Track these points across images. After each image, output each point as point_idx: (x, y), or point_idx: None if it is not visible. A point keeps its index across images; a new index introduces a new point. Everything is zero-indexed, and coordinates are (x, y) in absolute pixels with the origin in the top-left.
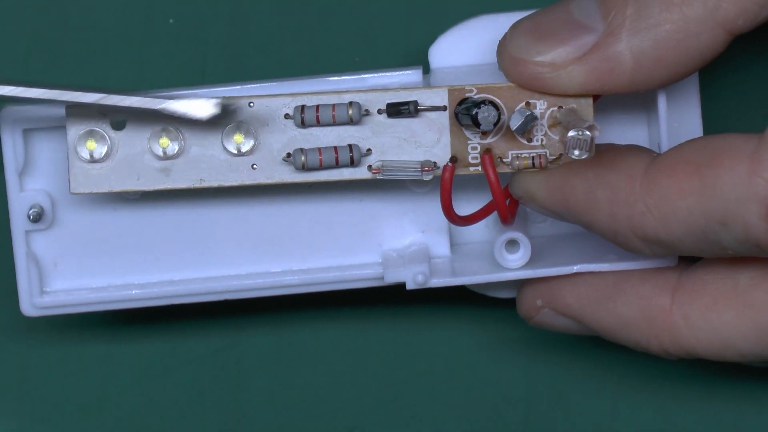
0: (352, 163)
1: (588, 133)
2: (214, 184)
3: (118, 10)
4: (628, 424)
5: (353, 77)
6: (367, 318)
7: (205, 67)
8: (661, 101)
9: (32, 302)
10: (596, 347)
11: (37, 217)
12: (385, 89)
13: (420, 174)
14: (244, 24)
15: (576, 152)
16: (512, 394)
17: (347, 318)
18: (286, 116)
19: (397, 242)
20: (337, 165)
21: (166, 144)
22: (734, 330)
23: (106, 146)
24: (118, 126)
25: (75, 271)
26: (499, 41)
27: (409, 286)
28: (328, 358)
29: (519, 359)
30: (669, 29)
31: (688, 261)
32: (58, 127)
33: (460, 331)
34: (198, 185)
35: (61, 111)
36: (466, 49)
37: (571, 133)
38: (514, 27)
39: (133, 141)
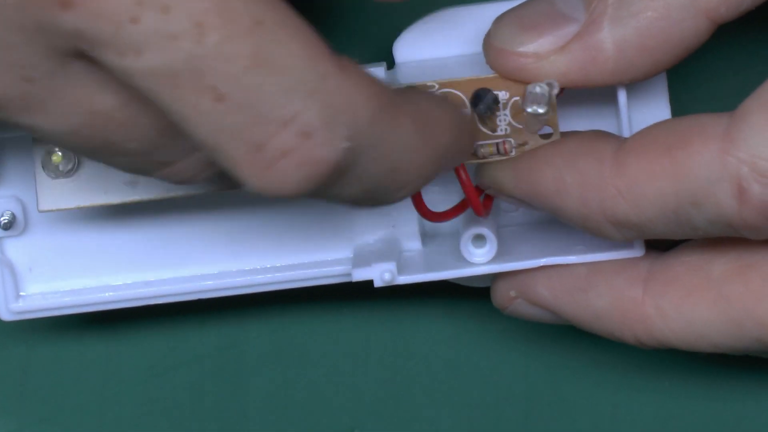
0: None
1: (545, 86)
2: (181, 193)
3: None
4: (628, 421)
5: None
6: (366, 316)
7: None
8: (622, 97)
9: (8, 307)
10: (596, 345)
11: (8, 225)
12: None
13: None
14: None
15: (532, 107)
16: (511, 389)
17: (345, 316)
18: None
19: (369, 236)
20: None
21: None
22: (707, 321)
23: (72, 162)
24: None
25: (50, 275)
26: (485, 34)
27: (377, 284)
28: (326, 357)
29: (518, 354)
30: (651, 17)
31: (659, 250)
32: (24, 135)
33: (460, 329)
34: (165, 196)
35: None
36: (430, 43)
37: (529, 87)
38: (499, 19)
39: None
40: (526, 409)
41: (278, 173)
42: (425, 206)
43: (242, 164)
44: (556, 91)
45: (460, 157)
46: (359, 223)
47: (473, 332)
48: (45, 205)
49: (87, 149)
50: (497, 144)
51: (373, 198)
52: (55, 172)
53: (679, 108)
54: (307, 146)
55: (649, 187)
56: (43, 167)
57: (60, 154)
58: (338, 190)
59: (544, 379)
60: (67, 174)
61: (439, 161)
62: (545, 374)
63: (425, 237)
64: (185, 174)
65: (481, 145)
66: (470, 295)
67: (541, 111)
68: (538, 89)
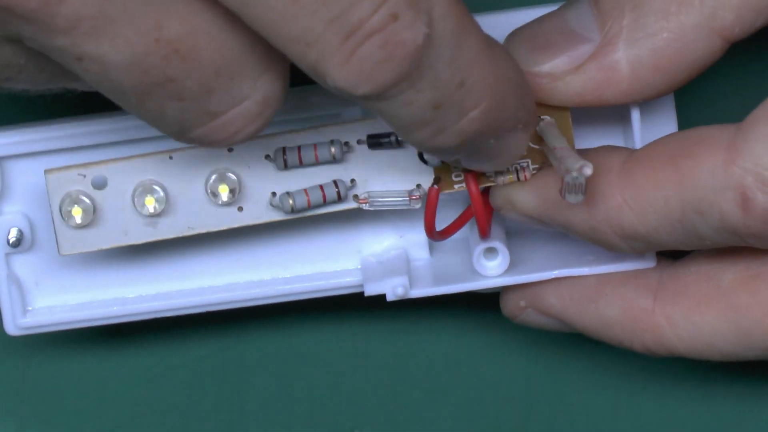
0: (339, 199)
1: (582, 180)
2: (203, 230)
3: None
4: (628, 423)
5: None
6: (366, 319)
7: None
8: (635, 115)
9: (15, 323)
10: (596, 346)
11: (17, 242)
12: (363, 119)
13: (408, 203)
14: None
15: (572, 197)
16: (512, 394)
17: (346, 319)
18: (267, 157)
19: (377, 246)
20: (324, 203)
21: (152, 202)
22: (716, 331)
23: (91, 209)
24: (99, 185)
25: (57, 290)
26: None
27: (390, 298)
28: (327, 359)
29: (519, 359)
30: (666, 38)
31: (669, 260)
32: (32, 153)
33: (460, 331)
34: (186, 233)
35: (35, 137)
36: None
37: (566, 179)
38: (511, 37)
39: (117, 198)
40: (527, 413)
41: (364, 55)
42: (435, 229)
43: (332, 55)
44: (589, 172)
45: (520, 111)
46: (366, 232)
47: (474, 334)
48: (66, 249)
49: (141, 89)
50: (517, 171)
51: (438, 121)
52: (75, 224)
53: (686, 125)
54: (394, 27)
55: (654, 196)
56: (62, 217)
57: (78, 207)
58: (409, 96)
59: (546, 383)
60: (87, 224)
61: (503, 96)
62: (547, 378)
63: (432, 244)
64: (229, 129)
65: (500, 173)
66: (471, 298)
67: (581, 198)
68: (576, 179)
